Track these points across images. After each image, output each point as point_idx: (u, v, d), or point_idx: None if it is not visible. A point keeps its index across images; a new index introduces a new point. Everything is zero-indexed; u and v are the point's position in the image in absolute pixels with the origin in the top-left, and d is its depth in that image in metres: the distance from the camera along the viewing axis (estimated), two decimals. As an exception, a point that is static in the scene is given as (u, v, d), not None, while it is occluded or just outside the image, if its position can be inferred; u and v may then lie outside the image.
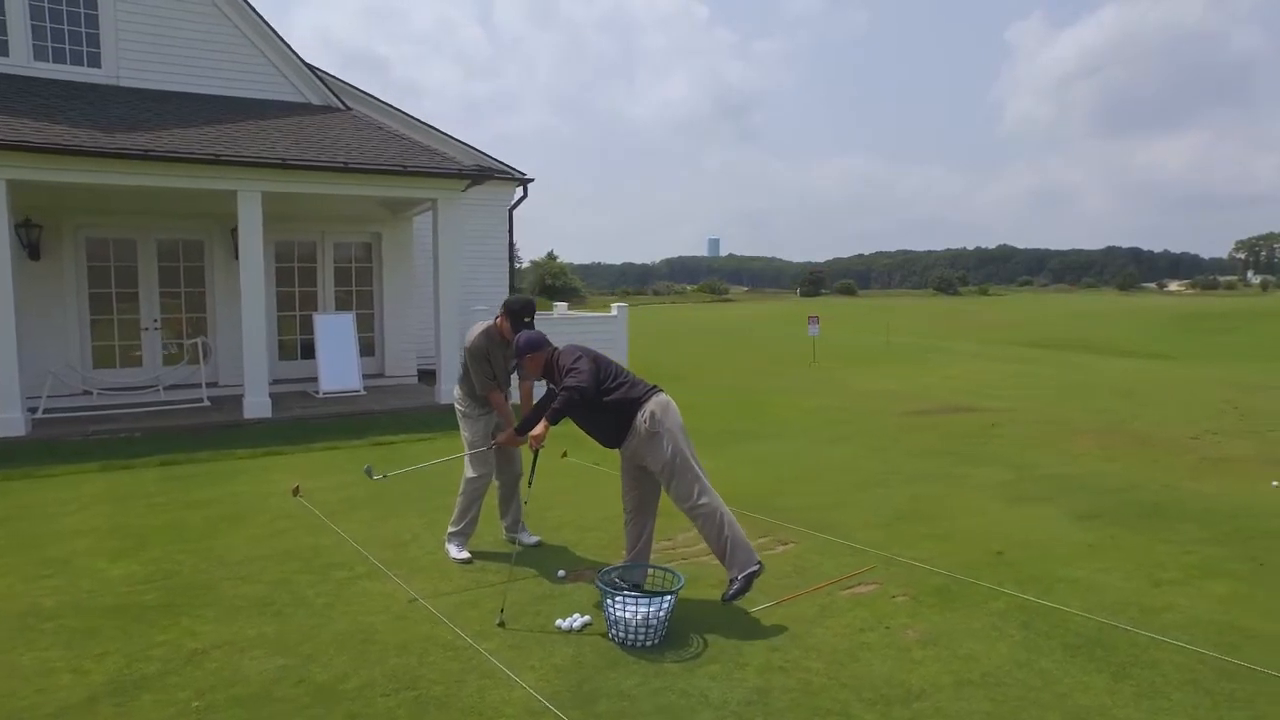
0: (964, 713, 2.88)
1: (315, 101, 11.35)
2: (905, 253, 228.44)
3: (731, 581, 3.72)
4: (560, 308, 14.20)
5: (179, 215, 10.54)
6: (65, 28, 9.82)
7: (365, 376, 11.86)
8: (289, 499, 5.75)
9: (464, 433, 4.64)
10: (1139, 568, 4.37)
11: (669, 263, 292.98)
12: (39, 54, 9.71)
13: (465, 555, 4.55)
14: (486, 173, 10.69)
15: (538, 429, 3.64)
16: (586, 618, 3.63)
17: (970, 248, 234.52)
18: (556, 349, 3.95)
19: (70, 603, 3.96)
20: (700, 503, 3.72)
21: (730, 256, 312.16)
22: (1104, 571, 4.31)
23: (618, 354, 11.56)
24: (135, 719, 2.86)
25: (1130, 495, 5.87)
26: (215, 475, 6.75)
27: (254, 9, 10.70)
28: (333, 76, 12.53)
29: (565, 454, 7.37)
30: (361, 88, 13.30)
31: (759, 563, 3.73)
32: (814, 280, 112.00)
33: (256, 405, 9.22)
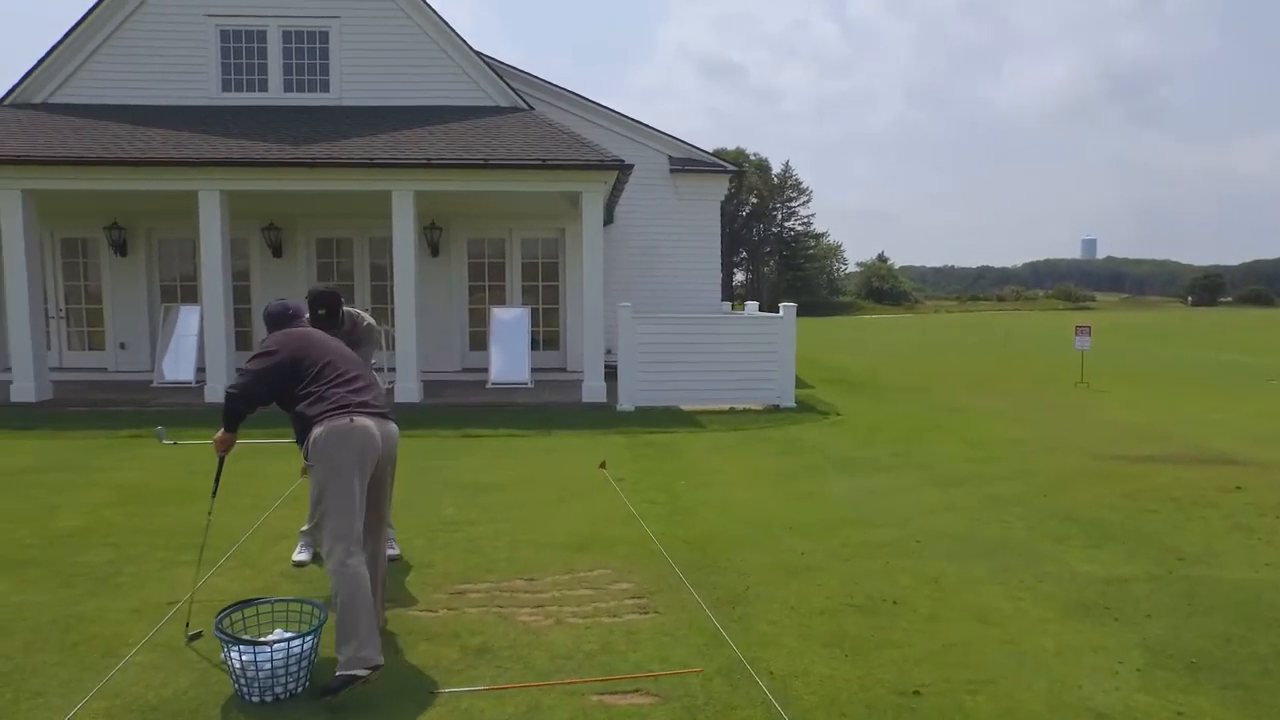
0: None
1: (502, 104, 11.94)
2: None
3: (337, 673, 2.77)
4: (751, 307, 13.17)
5: (385, 216, 11.89)
6: (305, 62, 11.68)
7: (546, 370, 12.25)
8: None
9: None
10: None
11: (1032, 266, 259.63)
12: (288, 86, 11.69)
13: (303, 558, 4.25)
14: (629, 164, 10.21)
15: (218, 434, 3.19)
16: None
17: None
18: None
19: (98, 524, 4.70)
20: (332, 562, 2.89)
21: (1109, 259, 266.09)
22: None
23: (781, 355, 10.13)
24: None
25: (1325, 640, 3.38)
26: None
27: (451, 27, 11.65)
28: (536, 77, 13.21)
29: (603, 464, 6.68)
30: (579, 92, 13.75)
31: (368, 669, 2.73)
32: (1208, 287, 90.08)
33: (407, 390, 10.05)
